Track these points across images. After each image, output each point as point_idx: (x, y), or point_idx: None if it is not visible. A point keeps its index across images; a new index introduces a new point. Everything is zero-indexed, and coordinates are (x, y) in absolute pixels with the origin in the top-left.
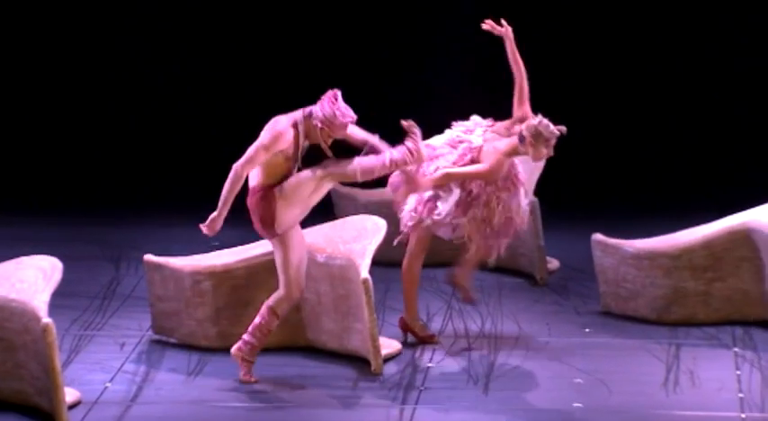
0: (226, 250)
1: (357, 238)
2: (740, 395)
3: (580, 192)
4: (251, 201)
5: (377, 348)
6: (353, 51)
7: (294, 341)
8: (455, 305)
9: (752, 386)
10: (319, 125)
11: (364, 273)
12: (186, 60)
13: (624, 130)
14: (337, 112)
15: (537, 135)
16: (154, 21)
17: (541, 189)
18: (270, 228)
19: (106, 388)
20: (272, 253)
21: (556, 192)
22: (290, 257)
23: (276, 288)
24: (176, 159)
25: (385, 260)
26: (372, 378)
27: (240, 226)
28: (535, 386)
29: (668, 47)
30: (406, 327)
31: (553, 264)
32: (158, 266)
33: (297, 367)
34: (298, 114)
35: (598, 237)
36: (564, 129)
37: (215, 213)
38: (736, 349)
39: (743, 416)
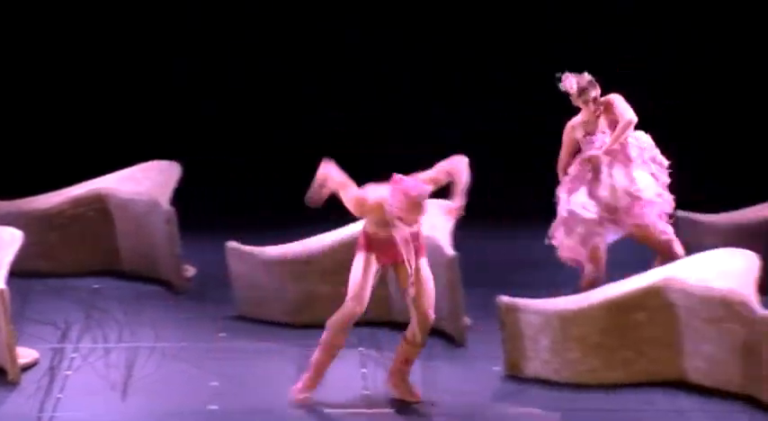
0: None
1: None
2: (365, 391)
3: (218, 202)
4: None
5: (14, 357)
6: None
7: None
8: (94, 314)
9: (376, 383)
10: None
11: (0, 284)
12: None
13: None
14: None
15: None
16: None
17: (179, 198)
18: None
19: None
20: None
21: (193, 200)
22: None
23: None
24: None
25: (23, 271)
26: (10, 387)
27: None
28: (172, 390)
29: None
30: None
31: (189, 271)
32: None
33: None
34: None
35: (232, 244)
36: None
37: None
38: (361, 348)
39: (369, 411)
